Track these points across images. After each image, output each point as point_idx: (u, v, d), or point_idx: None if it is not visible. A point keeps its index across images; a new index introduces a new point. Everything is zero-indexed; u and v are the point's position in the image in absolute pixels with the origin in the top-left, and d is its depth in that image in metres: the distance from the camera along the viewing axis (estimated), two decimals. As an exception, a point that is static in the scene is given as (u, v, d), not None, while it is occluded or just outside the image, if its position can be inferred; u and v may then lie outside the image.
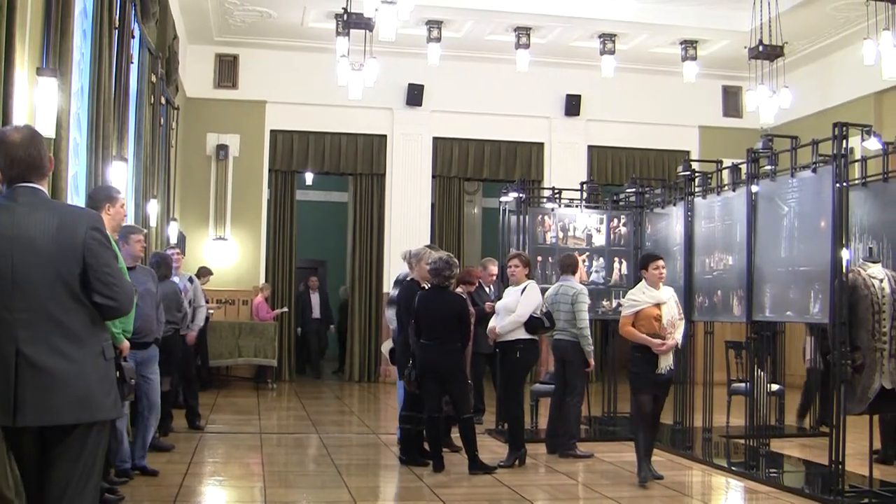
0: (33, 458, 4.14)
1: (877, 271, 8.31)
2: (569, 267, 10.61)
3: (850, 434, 8.47)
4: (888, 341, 8.14)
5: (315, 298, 20.68)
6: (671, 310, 8.86)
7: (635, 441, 9.04)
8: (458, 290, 10.60)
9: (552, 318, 9.90)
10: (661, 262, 9.00)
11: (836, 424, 8.07)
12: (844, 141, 8.17)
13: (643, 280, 9.03)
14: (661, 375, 8.77)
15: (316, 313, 20.65)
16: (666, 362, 8.76)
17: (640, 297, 8.91)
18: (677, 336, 8.89)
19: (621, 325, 8.99)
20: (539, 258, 12.11)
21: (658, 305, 8.81)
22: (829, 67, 18.29)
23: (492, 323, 9.96)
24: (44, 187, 4.26)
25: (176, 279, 11.29)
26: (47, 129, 6.92)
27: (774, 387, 11.68)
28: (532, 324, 9.59)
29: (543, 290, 10.46)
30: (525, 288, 9.77)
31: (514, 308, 9.64)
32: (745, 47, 15.54)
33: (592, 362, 10.45)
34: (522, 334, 9.57)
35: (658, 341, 8.67)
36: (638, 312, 8.82)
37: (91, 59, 9.25)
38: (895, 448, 10.11)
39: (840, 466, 8.00)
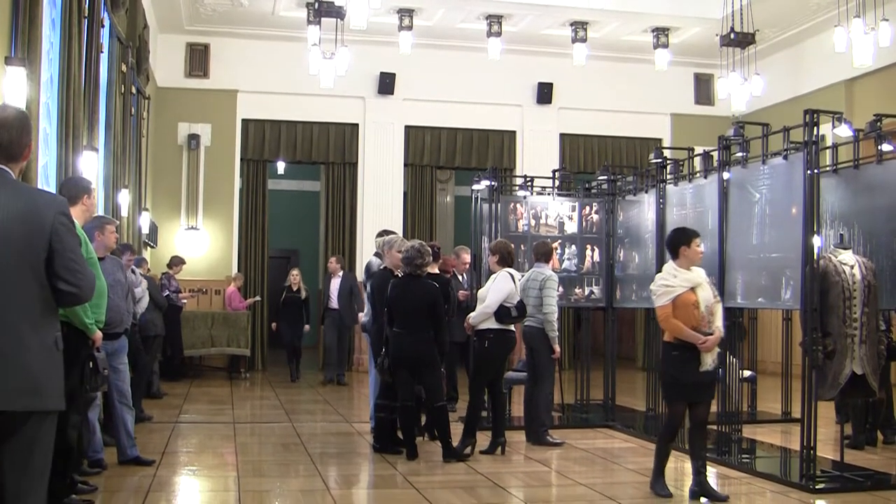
0: None
1: (848, 258, 8.35)
2: (543, 255, 10.55)
3: (822, 420, 8.53)
4: (859, 327, 8.19)
5: (335, 284, 16.74)
6: (707, 293, 7.64)
7: (657, 451, 7.93)
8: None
9: (523, 308, 9.85)
10: (700, 240, 7.83)
11: (808, 410, 8.11)
12: (815, 128, 8.19)
13: (670, 262, 7.78)
14: (706, 374, 7.57)
15: (335, 303, 16.64)
16: (711, 357, 7.54)
17: (673, 280, 7.59)
18: (718, 323, 7.63)
19: (663, 319, 7.59)
20: (511, 246, 12.09)
21: (693, 289, 7.56)
22: (801, 55, 18.38)
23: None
24: (13, 172, 4.17)
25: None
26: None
27: (746, 373, 11.74)
28: (499, 313, 9.55)
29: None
30: (496, 278, 9.74)
31: (485, 297, 9.63)
32: (717, 35, 15.62)
33: (558, 349, 10.39)
34: (492, 324, 9.52)
35: (703, 337, 7.45)
36: (674, 300, 7.56)
37: (60, 48, 9.19)
38: (866, 433, 10.20)
39: (812, 452, 8.04)
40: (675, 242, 7.75)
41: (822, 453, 8.62)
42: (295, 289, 17.43)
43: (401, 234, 10.98)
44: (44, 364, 4.02)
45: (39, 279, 4.01)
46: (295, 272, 17.70)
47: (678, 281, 7.56)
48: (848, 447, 9.34)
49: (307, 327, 17.52)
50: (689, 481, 7.86)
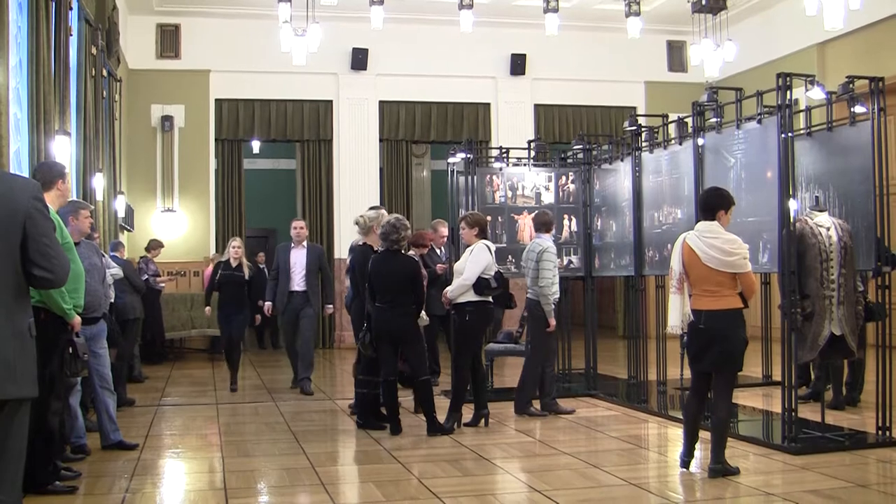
0: None
1: (824, 220, 8.38)
2: (543, 225, 10.47)
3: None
4: (836, 289, 8.23)
5: (298, 258, 12.75)
6: None
7: (725, 428, 7.21)
8: (411, 252, 10.60)
9: (502, 279, 9.80)
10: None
11: (788, 373, 8.16)
12: (788, 91, 8.21)
13: (716, 224, 7.14)
14: None
15: (297, 283, 12.63)
16: None
17: None
18: None
19: (754, 283, 7.34)
20: (489, 218, 12.08)
21: None
22: (772, 19, 18.39)
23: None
24: None
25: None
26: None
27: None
28: (479, 285, 9.52)
29: (500, 251, 10.43)
30: (473, 250, 9.70)
31: (462, 270, 9.60)
32: (689, 1, 15.61)
33: (553, 321, 10.24)
34: (472, 297, 9.48)
35: None
36: None
37: (28, 32, 9.11)
38: (845, 394, 10.26)
39: (793, 414, 8.09)
40: (716, 205, 7.19)
41: (803, 415, 8.68)
42: (235, 265, 12.94)
43: (384, 211, 10.83)
44: (17, 351, 3.99)
45: (14, 264, 3.98)
46: (236, 243, 13.12)
47: None
48: (828, 408, 9.40)
49: (264, 309, 12.93)
50: (672, 446, 7.85)
